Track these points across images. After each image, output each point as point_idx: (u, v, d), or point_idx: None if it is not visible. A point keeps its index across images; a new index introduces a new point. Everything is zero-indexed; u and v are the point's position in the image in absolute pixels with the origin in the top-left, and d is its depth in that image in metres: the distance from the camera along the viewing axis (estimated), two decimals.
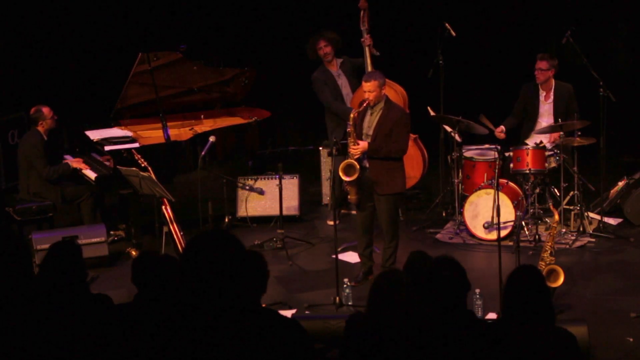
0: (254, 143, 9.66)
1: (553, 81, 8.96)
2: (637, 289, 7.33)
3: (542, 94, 9.01)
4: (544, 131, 8.82)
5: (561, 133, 8.45)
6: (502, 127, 8.98)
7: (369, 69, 8.99)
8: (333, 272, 7.22)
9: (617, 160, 10.31)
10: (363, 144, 7.28)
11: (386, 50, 9.44)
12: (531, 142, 8.87)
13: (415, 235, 8.83)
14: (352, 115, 7.32)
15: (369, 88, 7.25)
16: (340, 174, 7.27)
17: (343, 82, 9.18)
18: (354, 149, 7.27)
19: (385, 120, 7.28)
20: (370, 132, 7.33)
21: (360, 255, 7.73)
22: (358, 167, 7.23)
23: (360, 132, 7.36)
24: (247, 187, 9.34)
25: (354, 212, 8.65)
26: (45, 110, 8.58)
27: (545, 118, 8.99)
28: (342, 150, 7.56)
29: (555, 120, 8.79)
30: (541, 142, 8.76)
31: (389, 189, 7.36)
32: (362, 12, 9.15)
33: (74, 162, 8.68)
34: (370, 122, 7.36)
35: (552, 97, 8.97)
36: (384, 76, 7.40)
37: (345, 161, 7.28)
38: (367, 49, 9.16)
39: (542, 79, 8.89)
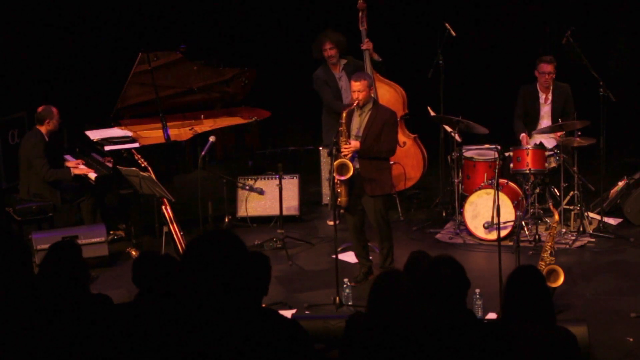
0: (254, 143, 9.65)
1: (552, 83, 8.96)
2: (637, 289, 7.33)
3: (542, 96, 8.99)
4: (544, 131, 8.82)
5: (562, 132, 8.45)
6: (526, 136, 8.80)
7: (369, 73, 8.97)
8: (333, 272, 7.22)
9: (617, 160, 10.30)
10: (355, 143, 7.26)
11: (386, 50, 9.43)
12: (532, 142, 8.86)
13: (415, 235, 8.82)
14: (343, 114, 7.32)
15: (358, 87, 7.25)
16: (334, 173, 7.26)
17: (344, 85, 9.14)
18: (346, 148, 7.27)
19: (375, 121, 7.28)
20: (360, 133, 7.32)
21: (357, 257, 7.72)
22: (351, 165, 7.23)
23: (349, 133, 7.35)
24: (247, 187, 9.33)
25: None
26: (55, 110, 8.58)
27: (546, 120, 8.98)
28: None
29: (554, 122, 8.78)
30: (540, 142, 8.76)
31: (380, 189, 7.37)
32: (360, 13, 9.14)
33: (76, 169, 8.65)
34: (359, 123, 7.34)
35: (550, 99, 8.96)
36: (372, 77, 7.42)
37: (338, 161, 7.27)
38: (366, 54, 9.15)
39: (550, 82, 8.87)
